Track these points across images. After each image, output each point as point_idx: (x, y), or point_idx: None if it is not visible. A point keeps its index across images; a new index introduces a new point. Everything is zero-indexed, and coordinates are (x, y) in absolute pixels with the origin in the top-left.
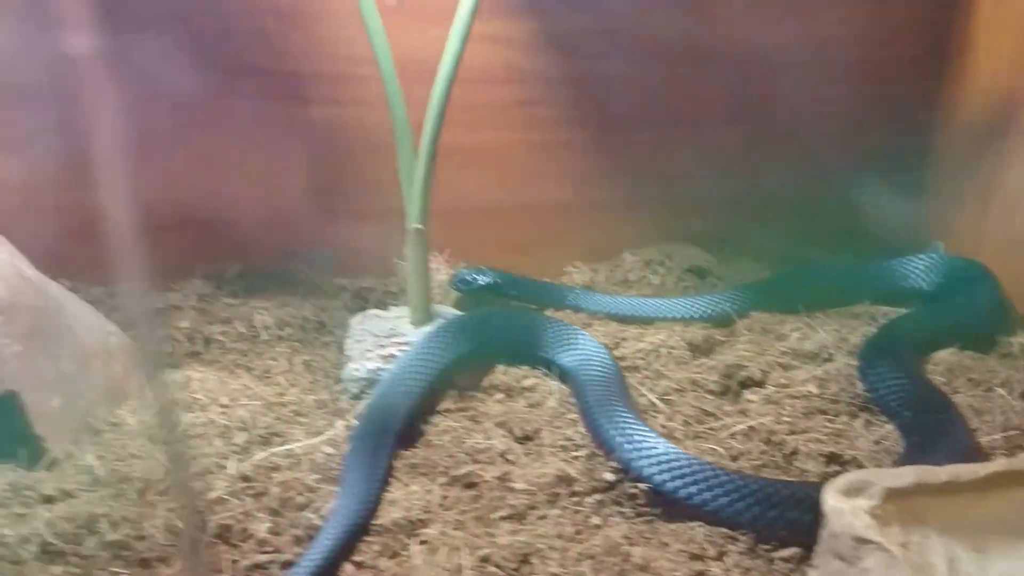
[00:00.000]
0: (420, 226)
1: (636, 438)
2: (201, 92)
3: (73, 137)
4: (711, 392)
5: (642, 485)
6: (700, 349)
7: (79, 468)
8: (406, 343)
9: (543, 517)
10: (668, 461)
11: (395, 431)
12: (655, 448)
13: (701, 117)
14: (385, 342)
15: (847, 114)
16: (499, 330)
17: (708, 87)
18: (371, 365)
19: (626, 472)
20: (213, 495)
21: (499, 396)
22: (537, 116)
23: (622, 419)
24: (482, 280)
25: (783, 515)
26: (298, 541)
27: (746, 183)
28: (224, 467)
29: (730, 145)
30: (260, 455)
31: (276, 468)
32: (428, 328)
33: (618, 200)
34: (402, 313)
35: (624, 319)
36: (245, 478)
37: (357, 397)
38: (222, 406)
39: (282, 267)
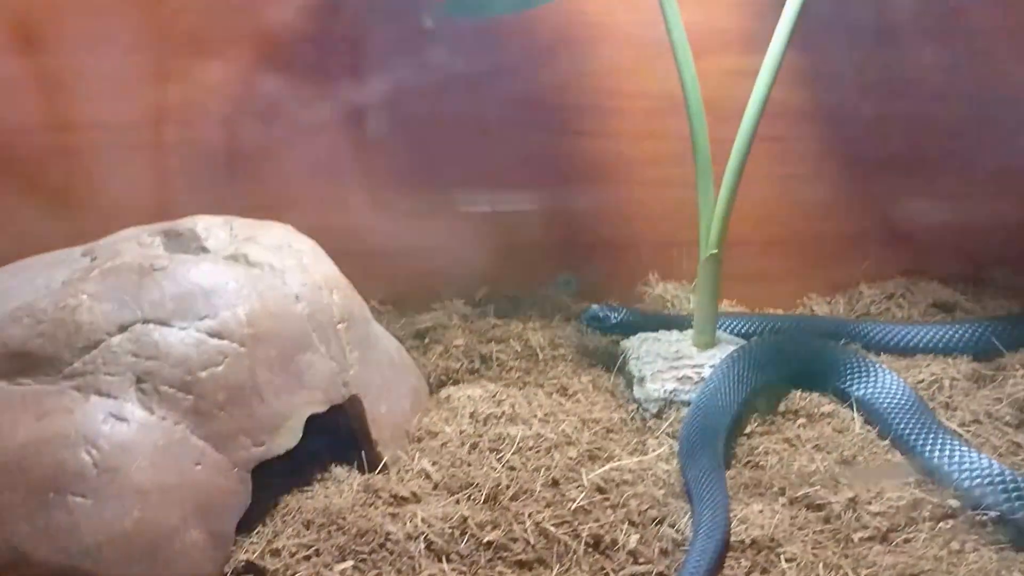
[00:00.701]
0: (716, 251)
1: (974, 465)
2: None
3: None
4: (1009, 425)
5: (992, 513)
6: (982, 380)
7: (416, 472)
8: (696, 365)
9: (908, 540)
10: (1015, 488)
11: (720, 451)
12: (999, 475)
13: (948, 154)
14: (677, 364)
15: None
16: (795, 357)
17: (959, 125)
18: (669, 386)
19: (967, 499)
20: (573, 505)
21: (802, 421)
22: (787, 150)
23: (950, 446)
24: (614, 317)
25: None
26: (664, 553)
27: (991, 220)
28: (573, 478)
29: (976, 181)
30: (602, 468)
31: (624, 482)
32: (716, 351)
33: (858, 233)
34: (679, 337)
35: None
36: (600, 490)
37: (656, 416)
38: (541, 420)
39: (527, 291)
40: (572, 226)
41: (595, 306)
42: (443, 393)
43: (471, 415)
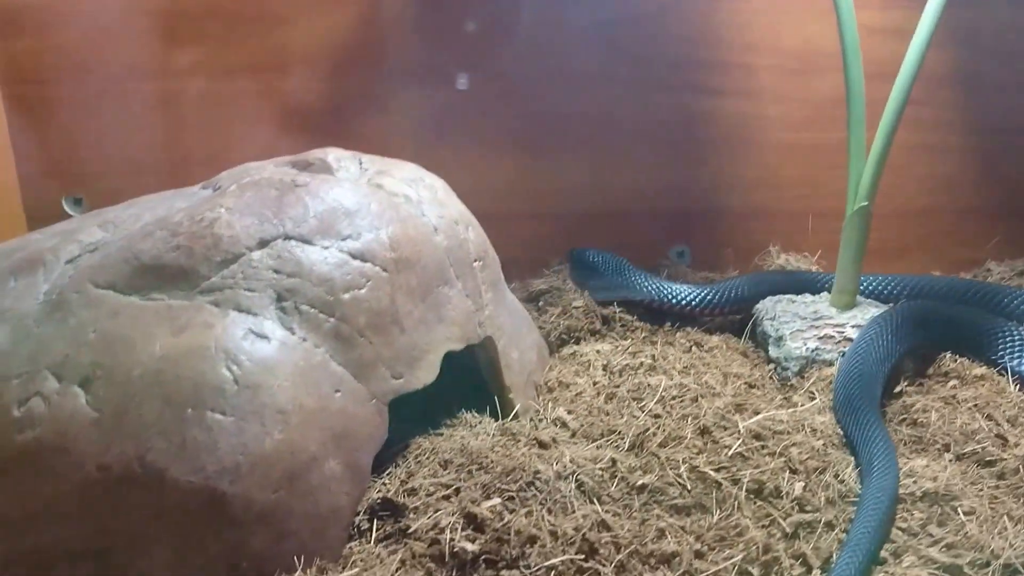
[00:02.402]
0: (865, 203)
1: None
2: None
3: None
4: None
5: None
6: None
7: (551, 421)
8: (838, 325)
9: None
10: None
11: (877, 407)
12: None
13: None
14: (817, 323)
15: None
16: (948, 322)
17: None
18: (811, 344)
19: None
20: (730, 451)
21: (954, 382)
22: (920, 116)
23: None
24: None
25: None
26: (831, 503)
27: None
28: (725, 426)
29: None
30: (755, 418)
31: (780, 432)
32: (857, 311)
33: (986, 208)
34: (815, 298)
35: None
36: (757, 436)
37: (798, 375)
38: (681, 371)
39: (640, 260)
40: (690, 194)
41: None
42: (566, 351)
43: (604, 367)
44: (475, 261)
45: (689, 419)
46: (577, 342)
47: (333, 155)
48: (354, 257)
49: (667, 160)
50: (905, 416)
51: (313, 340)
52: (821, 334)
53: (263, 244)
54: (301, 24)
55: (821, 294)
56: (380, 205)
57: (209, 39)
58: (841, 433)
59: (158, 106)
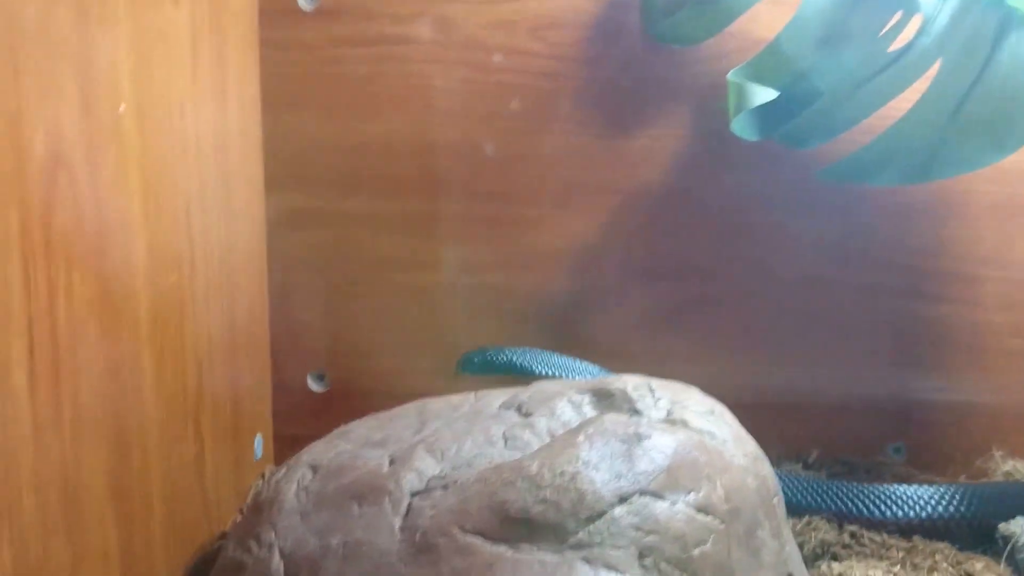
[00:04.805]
0: None
1: None
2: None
3: None
4: None
5: None
6: None
7: None
8: None
9: None
10: None
11: None
12: None
13: None
14: None
15: None
16: None
17: None
18: None
19: None
20: None
21: None
22: None
23: None
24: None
25: None
26: None
27: None
28: None
29: None
30: None
31: None
32: None
33: None
34: None
35: None
36: None
37: None
38: None
39: (858, 456)
40: (910, 391)
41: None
42: (823, 567)
43: None
44: (773, 497)
45: None
46: (835, 559)
47: (631, 384)
48: (699, 511)
49: (886, 359)
50: None
51: None
52: None
53: (623, 500)
54: (549, 227)
55: None
56: (709, 455)
57: (462, 239)
58: None
59: (407, 295)
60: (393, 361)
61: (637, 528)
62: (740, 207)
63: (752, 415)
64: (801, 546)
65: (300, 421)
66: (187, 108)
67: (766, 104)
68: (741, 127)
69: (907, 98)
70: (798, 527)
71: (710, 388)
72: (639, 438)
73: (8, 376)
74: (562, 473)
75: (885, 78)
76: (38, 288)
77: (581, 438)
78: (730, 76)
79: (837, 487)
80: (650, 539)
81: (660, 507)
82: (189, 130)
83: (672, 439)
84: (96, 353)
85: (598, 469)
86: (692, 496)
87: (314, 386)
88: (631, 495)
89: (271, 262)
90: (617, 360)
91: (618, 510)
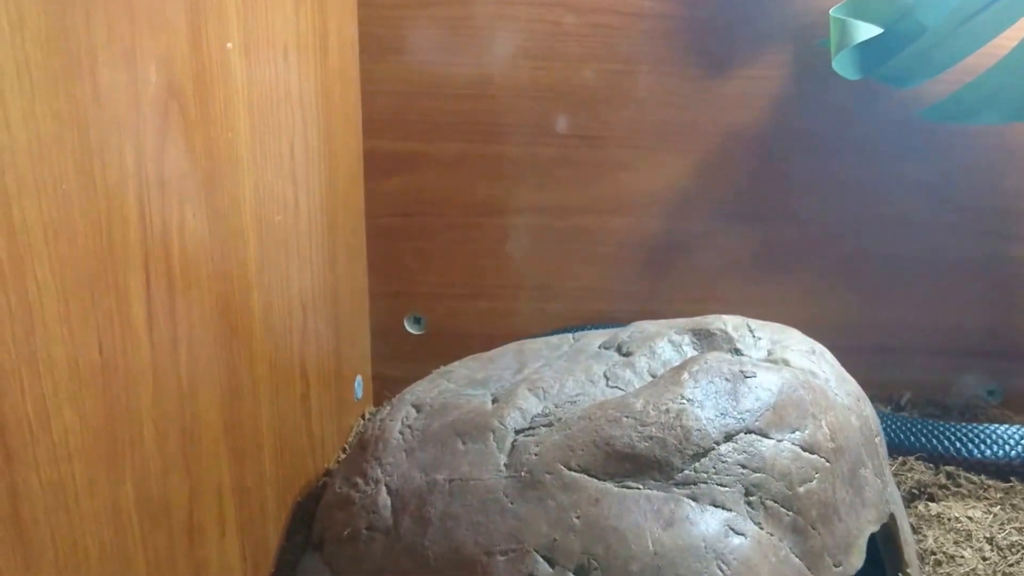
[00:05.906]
0: None
1: None
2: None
3: None
4: None
5: None
6: None
7: None
8: None
9: None
10: None
11: None
12: None
13: None
14: None
15: None
16: None
17: None
18: None
19: None
20: None
21: None
22: None
23: None
24: None
25: None
26: None
27: None
28: None
29: None
30: None
31: None
32: None
33: None
34: None
35: None
36: None
37: None
38: None
39: (952, 397)
40: (1005, 333)
41: None
42: (922, 509)
43: (988, 540)
44: (876, 436)
45: None
46: (932, 499)
47: (731, 324)
48: (804, 449)
49: (981, 302)
50: None
51: (777, 535)
52: None
53: (728, 437)
54: (642, 170)
55: None
56: (814, 393)
57: (554, 183)
58: None
59: (501, 238)
60: (488, 304)
61: (743, 466)
62: (836, 149)
63: (844, 357)
64: (897, 486)
65: (398, 363)
66: (290, 49)
67: (868, 41)
68: (843, 65)
69: (1011, 35)
70: (894, 467)
71: (802, 330)
72: (744, 376)
73: (128, 308)
74: (667, 410)
75: (990, 14)
76: (153, 223)
77: (685, 376)
78: (833, 12)
79: (935, 426)
80: (756, 477)
81: (766, 445)
82: (292, 71)
83: (777, 377)
84: (207, 293)
85: (703, 407)
86: (798, 434)
87: (411, 329)
88: (737, 433)
89: (368, 205)
90: (710, 303)
91: (724, 447)
